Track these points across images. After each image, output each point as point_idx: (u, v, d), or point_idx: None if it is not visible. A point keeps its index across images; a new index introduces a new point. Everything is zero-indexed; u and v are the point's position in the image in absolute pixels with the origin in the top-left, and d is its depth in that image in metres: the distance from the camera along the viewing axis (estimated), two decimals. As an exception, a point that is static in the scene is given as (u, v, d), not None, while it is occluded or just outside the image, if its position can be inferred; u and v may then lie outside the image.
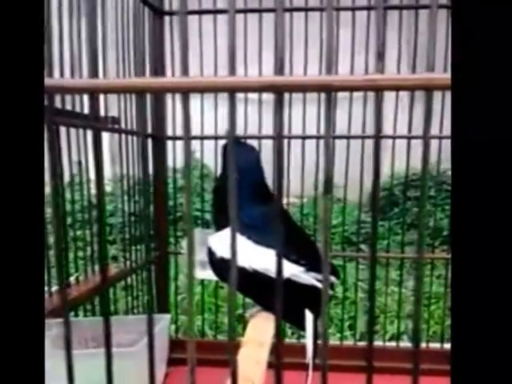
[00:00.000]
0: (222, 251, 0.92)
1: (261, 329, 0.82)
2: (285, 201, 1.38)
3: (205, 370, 0.65)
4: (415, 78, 0.39)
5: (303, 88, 0.40)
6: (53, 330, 0.61)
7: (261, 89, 0.40)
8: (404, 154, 1.40)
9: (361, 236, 1.88)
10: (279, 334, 0.42)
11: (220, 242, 0.92)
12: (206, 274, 1.03)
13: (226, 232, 0.92)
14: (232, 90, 0.39)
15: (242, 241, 0.90)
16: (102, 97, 1.12)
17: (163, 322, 1.08)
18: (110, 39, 1.17)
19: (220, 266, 0.91)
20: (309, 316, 0.92)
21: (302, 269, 0.92)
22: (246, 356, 0.70)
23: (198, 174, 1.54)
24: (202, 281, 1.56)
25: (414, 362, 0.41)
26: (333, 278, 0.98)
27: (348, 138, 1.38)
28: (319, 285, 0.94)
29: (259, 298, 0.91)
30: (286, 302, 0.88)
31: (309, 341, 0.93)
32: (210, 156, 1.41)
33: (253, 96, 1.40)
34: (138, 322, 0.99)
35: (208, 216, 1.65)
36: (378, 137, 0.41)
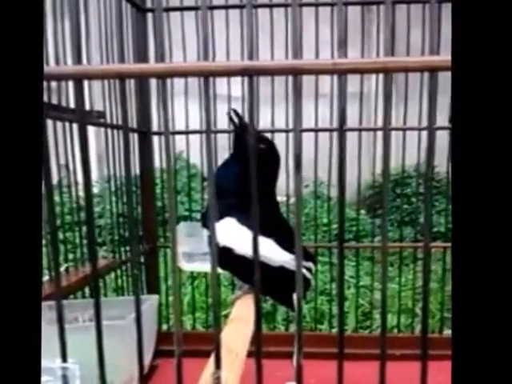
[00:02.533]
0: (224, 240, 0.93)
1: (245, 308, 0.86)
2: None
3: (195, 360, 0.68)
4: (373, 62, 0.42)
5: (274, 72, 0.43)
6: (47, 313, 0.63)
7: (233, 73, 0.43)
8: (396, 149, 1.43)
9: (351, 233, 1.91)
10: (259, 313, 0.45)
11: (221, 231, 0.92)
12: (193, 266, 1.06)
13: (226, 221, 0.95)
14: (206, 75, 0.42)
15: (244, 231, 0.93)
16: (86, 91, 1.15)
17: (151, 300, 1.12)
18: (94, 37, 1.19)
19: (221, 254, 0.92)
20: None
21: (293, 256, 0.96)
22: (231, 331, 0.73)
23: (186, 173, 1.55)
24: (193, 281, 1.59)
25: (381, 349, 0.45)
26: (311, 264, 1.03)
27: (316, 131, 1.43)
28: (306, 272, 0.99)
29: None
30: (280, 286, 0.92)
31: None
32: (197, 155, 1.43)
33: (236, 94, 1.45)
34: (126, 302, 1.01)
35: (196, 215, 1.67)
36: (341, 130, 0.44)
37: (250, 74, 0.41)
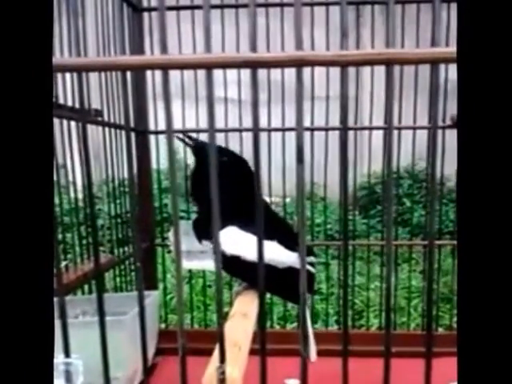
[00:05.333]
0: (232, 249, 0.96)
1: (246, 303, 0.87)
2: (267, 200, 1.41)
3: (193, 358, 0.68)
4: (379, 53, 0.43)
5: (276, 63, 0.43)
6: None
7: (236, 65, 0.42)
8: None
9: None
10: (263, 310, 0.45)
11: (228, 239, 0.96)
12: (191, 264, 1.06)
13: (229, 230, 0.96)
14: (208, 67, 0.42)
15: (248, 237, 0.94)
16: (84, 88, 1.14)
17: (152, 296, 1.14)
18: (90, 37, 1.19)
19: (230, 263, 0.95)
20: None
21: (298, 255, 0.97)
22: (234, 325, 0.74)
23: (182, 175, 1.55)
24: (190, 280, 1.59)
25: (385, 347, 0.45)
26: (313, 258, 1.05)
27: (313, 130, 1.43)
28: (311, 268, 1.00)
29: (269, 287, 0.98)
30: (289, 286, 0.94)
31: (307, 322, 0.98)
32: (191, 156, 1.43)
33: (232, 96, 1.45)
34: (126, 299, 1.02)
35: (192, 216, 1.67)
36: (345, 129, 0.44)
37: (256, 66, 0.41)
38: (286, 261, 0.98)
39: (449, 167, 1.43)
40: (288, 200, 1.61)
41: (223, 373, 0.45)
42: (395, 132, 1.43)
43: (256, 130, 0.45)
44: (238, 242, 0.95)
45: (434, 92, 0.42)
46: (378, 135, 1.44)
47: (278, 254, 0.97)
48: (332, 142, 1.40)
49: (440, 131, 1.38)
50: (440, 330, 1.64)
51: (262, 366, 0.44)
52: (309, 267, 1.00)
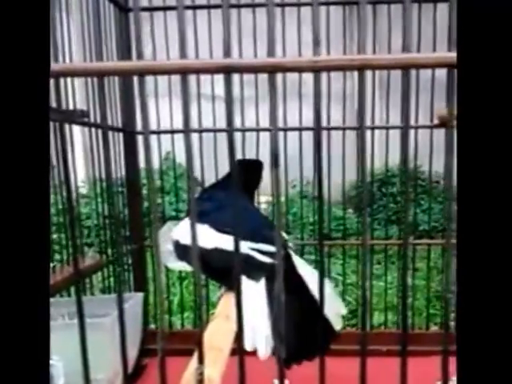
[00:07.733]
0: (185, 239, 1.00)
1: (229, 304, 0.87)
2: (256, 199, 1.42)
3: (183, 359, 0.69)
4: (351, 59, 0.43)
5: (250, 69, 0.43)
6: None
7: (210, 71, 0.43)
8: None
9: (339, 232, 1.93)
10: (240, 309, 0.45)
11: (182, 230, 1.03)
12: (181, 264, 1.06)
13: (187, 221, 1.00)
14: (183, 72, 0.42)
15: (203, 229, 0.99)
16: (70, 89, 1.14)
17: (135, 298, 1.14)
18: (76, 37, 1.19)
19: (184, 252, 1.01)
20: (248, 283, 0.95)
21: (230, 237, 0.95)
22: (215, 328, 0.74)
23: (173, 174, 1.55)
24: (182, 281, 1.59)
25: (361, 345, 0.45)
26: (270, 248, 1.00)
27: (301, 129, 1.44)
28: (254, 253, 0.98)
29: (214, 275, 1.04)
30: (215, 267, 0.97)
31: (250, 309, 0.94)
32: (183, 154, 1.43)
33: (219, 93, 1.45)
34: (113, 301, 1.02)
35: (183, 215, 1.68)
36: (318, 128, 0.45)
37: (227, 71, 0.42)
38: (212, 242, 0.99)
39: (437, 166, 1.44)
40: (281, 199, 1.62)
41: (201, 373, 0.46)
42: (383, 131, 1.44)
43: (231, 130, 0.45)
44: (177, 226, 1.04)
45: (404, 96, 0.43)
46: (373, 134, 1.45)
47: (202, 237, 0.96)
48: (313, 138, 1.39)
49: (428, 131, 1.39)
50: (434, 328, 1.65)
51: (240, 365, 0.44)
52: (253, 253, 0.97)
